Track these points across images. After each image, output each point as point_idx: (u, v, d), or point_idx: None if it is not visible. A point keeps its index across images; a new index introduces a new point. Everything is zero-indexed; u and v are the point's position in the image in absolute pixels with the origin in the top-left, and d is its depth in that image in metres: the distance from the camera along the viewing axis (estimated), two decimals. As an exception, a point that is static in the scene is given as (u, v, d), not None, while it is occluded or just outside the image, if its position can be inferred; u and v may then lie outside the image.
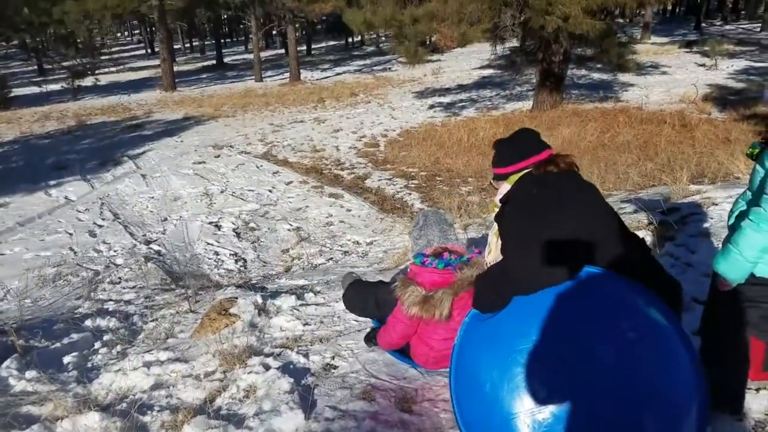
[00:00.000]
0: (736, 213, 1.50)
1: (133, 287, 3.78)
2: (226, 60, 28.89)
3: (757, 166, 1.43)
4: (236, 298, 2.74)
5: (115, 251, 4.82)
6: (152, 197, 6.71)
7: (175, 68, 21.22)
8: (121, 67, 27.12)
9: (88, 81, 19.77)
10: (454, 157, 7.91)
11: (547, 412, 1.29)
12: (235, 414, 1.80)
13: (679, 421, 1.30)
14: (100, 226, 5.61)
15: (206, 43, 38.35)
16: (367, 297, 2.27)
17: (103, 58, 25.89)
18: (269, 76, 21.52)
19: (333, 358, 2.17)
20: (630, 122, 8.63)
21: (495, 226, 1.72)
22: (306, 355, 2.19)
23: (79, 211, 6.13)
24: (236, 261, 4.69)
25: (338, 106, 13.58)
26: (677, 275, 1.49)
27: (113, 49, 35.82)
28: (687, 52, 17.27)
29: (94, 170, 8.18)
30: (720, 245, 1.68)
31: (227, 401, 1.88)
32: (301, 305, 2.75)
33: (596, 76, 13.80)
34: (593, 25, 7.81)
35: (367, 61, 25.07)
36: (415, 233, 2.04)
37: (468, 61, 20.25)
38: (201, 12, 29.81)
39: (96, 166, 8.44)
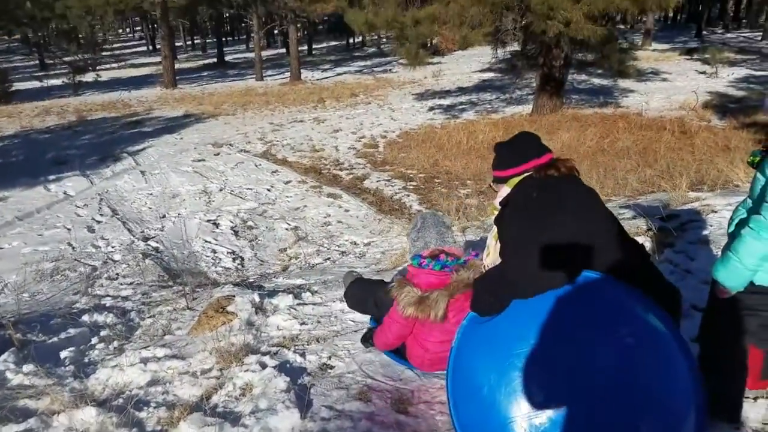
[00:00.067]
0: (736, 221, 1.50)
1: (131, 283, 3.78)
2: (228, 58, 28.88)
3: (758, 174, 1.43)
4: (234, 296, 2.74)
5: (113, 247, 4.82)
6: (151, 194, 6.70)
7: (176, 65, 21.20)
8: (123, 63, 27.09)
9: (89, 76, 19.73)
10: (453, 160, 7.92)
11: (545, 416, 1.29)
12: (231, 412, 1.80)
13: (677, 428, 1.30)
14: (99, 222, 5.61)
15: (208, 41, 38.35)
16: (367, 296, 2.28)
17: (104, 54, 25.84)
18: (270, 75, 21.52)
19: (330, 358, 2.18)
20: (630, 128, 8.66)
21: (494, 228, 1.72)
22: (303, 355, 2.20)
23: (78, 207, 6.12)
24: (234, 259, 4.70)
25: (338, 107, 13.59)
26: (676, 282, 1.50)
27: (115, 45, 35.77)
28: (688, 59, 17.33)
29: (94, 166, 8.17)
30: (719, 253, 1.68)
31: (223, 399, 1.88)
32: (299, 304, 2.76)
33: (596, 81, 13.85)
34: (594, 30, 7.84)
35: (368, 62, 25.10)
36: (413, 235, 2.05)
37: (468, 64, 20.30)
38: (203, 10, 29.81)
39: (95, 162, 8.43)
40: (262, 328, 2.50)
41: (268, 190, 6.87)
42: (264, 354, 2.19)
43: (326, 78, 20.32)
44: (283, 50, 31.09)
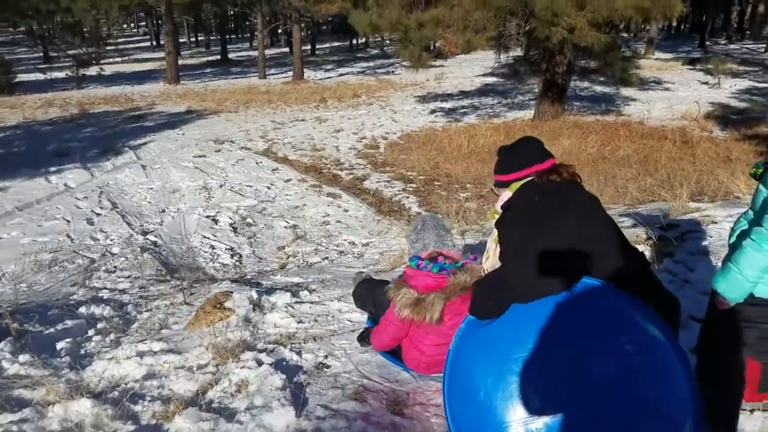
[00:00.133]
0: (738, 232, 1.50)
1: (128, 277, 3.78)
2: (231, 56, 28.90)
3: (761, 186, 1.43)
4: (231, 292, 2.74)
5: (111, 240, 4.81)
6: (151, 188, 6.70)
7: (180, 62, 21.21)
8: (126, 58, 27.09)
9: (92, 70, 19.76)
10: (454, 163, 7.93)
11: (541, 422, 1.29)
12: (226, 408, 1.80)
13: None
14: (98, 215, 5.60)
15: (211, 38, 38.37)
16: (369, 296, 2.29)
17: (108, 48, 25.84)
18: (273, 74, 21.54)
19: (326, 357, 2.18)
20: (631, 136, 8.68)
21: (494, 232, 1.72)
22: (299, 353, 2.20)
23: (78, 199, 6.12)
24: (232, 256, 4.70)
25: (340, 107, 13.61)
26: (675, 292, 1.50)
27: (119, 40, 35.74)
28: (690, 69, 17.38)
29: (95, 159, 8.17)
30: (719, 264, 1.68)
31: (219, 395, 1.88)
32: (296, 303, 2.76)
33: (599, 88, 13.88)
34: (598, 37, 7.86)
35: (371, 64, 25.13)
36: (412, 236, 2.06)
37: (471, 68, 20.34)
38: (208, 7, 29.85)
39: (97, 155, 8.43)
40: (259, 325, 2.50)
41: (268, 187, 6.87)
42: (260, 351, 2.19)
43: (329, 78, 20.35)
44: (287, 49, 31.13)
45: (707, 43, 25.18)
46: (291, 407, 1.75)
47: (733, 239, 1.51)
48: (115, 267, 4.04)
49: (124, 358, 2.13)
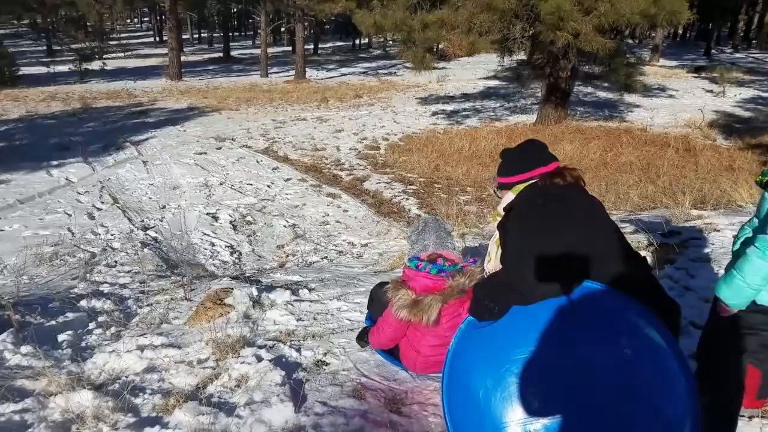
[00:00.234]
0: (742, 239, 1.50)
1: (129, 272, 3.79)
2: (233, 53, 28.92)
3: (766, 194, 1.44)
4: (231, 288, 2.76)
5: (112, 235, 4.83)
6: (152, 184, 6.72)
7: (183, 58, 21.24)
8: (129, 53, 27.09)
9: (95, 65, 19.76)
10: (454, 166, 7.95)
11: (539, 423, 1.29)
12: (226, 402, 1.82)
13: None
14: (99, 209, 5.62)
15: (214, 35, 38.41)
16: (374, 295, 2.31)
17: (111, 43, 25.87)
18: (275, 73, 21.57)
19: (325, 354, 2.19)
20: (633, 143, 8.70)
21: (496, 234, 1.73)
22: (298, 350, 2.22)
23: (79, 193, 6.13)
24: (231, 253, 4.71)
25: (341, 107, 13.63)
26: (675, 298, 1.50)
27: (122, 35, 35.79)
28: (695, 77, 17.41)
29: (96, 153, 8.18)
30: (720, 271, 1.69)
31: (219, 389, 1.89)
32: (296, 301, 2.77)
33: (602, 94, 13.91)
34: (604, 43, 7.88)
35: (373, 64, 25.16)
36: (413, 237, 2.08)
37: (474, 71, 20.38)
38: (212, 4, 29.88)
39: (98, 150, 8.44)
40: (258, 321, 2.51)
41: (268, 186, 6.89)
42: (260, 347, 2.20)
43: (331, 78, 20.37)
44: (289, 48, 31.14)
45: (713, 51, 25.22)
46: (290, 403, 1.76)
47: (736, 247, 1.52)
48: (116, 262, 4.05)
49: (124, 351, 2.14)
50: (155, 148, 8.68)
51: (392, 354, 2.08)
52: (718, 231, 3.22)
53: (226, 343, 2.17)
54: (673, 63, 21.49)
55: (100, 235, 4.81)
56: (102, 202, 5.86)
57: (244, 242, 5.02)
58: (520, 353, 1.38)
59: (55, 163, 7.38)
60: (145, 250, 4.36)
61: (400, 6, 9.42)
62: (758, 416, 1.71)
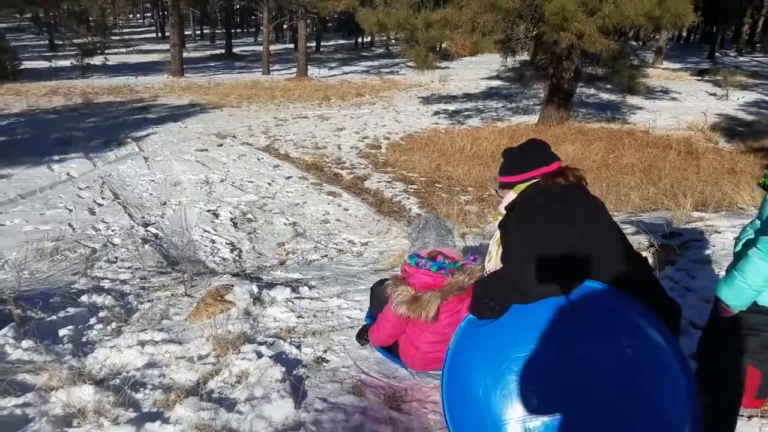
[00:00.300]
0: (744, 240, 1.51)
1: (129, 267, 3.80)
2: (236, 50, 28.90)
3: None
4: (232, 285, 2.76)
5: (113, 231, 4.83)
6: (153, 180, 6.72)
7: (184, 54, 21.22)
8: (131, 48, 27.09)
9: (97, 60, 19.76)
10: (456, 165, 7.95)
11: (539, 421, 1.30)
12: (226, 398, 1.82)
13: None
14: (100, 205, 5.62)
15: (217, 31, 38.37)
16: (374, 292, 2.31)
17: (113, 38, 25.86)
18: (277, 70, 21.55)
19: (325, 351, 2.20)
20: (636, 145, 8.69)
21: (497, 233, 1.73)
22: (298, 347, 2.22)
23: (80, 188, 6.14)
24: (232, 250, 4.72)
25: (343, 105, 13.62)
26: (676, 299, 1.51)
27: (124, 30, 35.78)
28: (699, 80, 17.39)
29: (98, 149, 8.19)
30: (721, 273, 1.70)
31: (219, 385, 1.90)
32: (296, 298, 2.78)
33: (605, 96, 13.90)
34: (607, 44, 7.86)
35: (375, 63, 25.14)
36: (413, 234, 2.08)
37: (476, 71, 20.36)
38: (214, 0, 29.81)
39: (99, 145, 8.44)
40: (259, 318, 2.52)
41: (269, 184, 6.89)
42: (260, 344, 2.21)
43: (333, 76, 20.36)
44: (291, 45, 31.10)
45: (717, 54, 25.18)
46: (290, 399, 1.77)
47: (738, 248, 1.53)
48: (116, 257, 4.06)
49: (125, 346, 2.15)
50: (156, 145, 8.68)
51: (392, 351, 2.09)
52: (719, 233, 3.23)
53: (227, 340, 2.17)
54: (677, 65, 21.46)
55: (100, 230, 4.81)
56: (103, 198, 5.87)
57: (245, 240, 5.02)
58: (520, 351, 1.38)
59: (56, 158, 7.39)
60: (146, 246, 4.37)
61: (403, 4, 9.40)
62: (758, 416, 1.72)
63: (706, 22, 26.58)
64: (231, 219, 5.52)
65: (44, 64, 20.31)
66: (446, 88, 16.94)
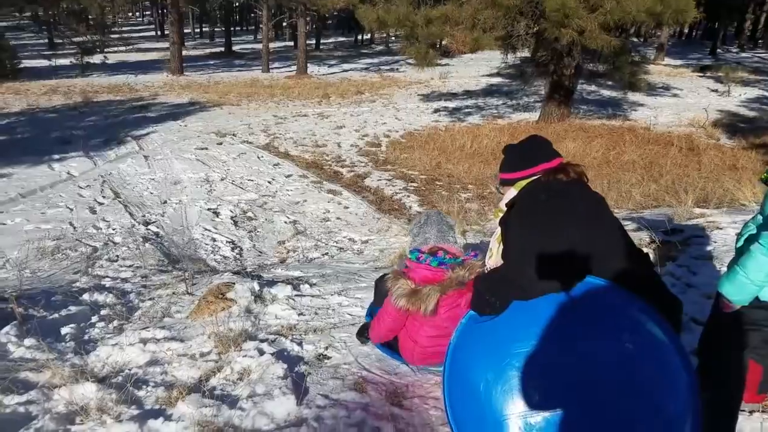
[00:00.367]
0: (745, 236, 1.51)
1: (130, 266, 3.80)
2: (235, 48, 28.86)
3: None
4: (233, 283, 2.77)
5: (114, 229, 4.84)
6: (153, 179, 6.72)
7: (184, 52, 21.19)
8: (131, 47, 27.05)
9: (96, 58, 19.74)
10: (456, 163, 7.94)
11: (540, 416, 1.31)
12: (228, 395, 1.83)
13: None
14: (101, 204, 5.63)
15: (216, 29, 38.29)
16: (376, 287, 2.32)
17: (113, 36, 25.82)
18: (276, 68, 21.52)
19: (326, 348, 2.21)
20: (637, 142, 8.68)
21: (498, 230, 1.73)
22: (300, 344, 2.23)
23: (81, 187, 6.14)
24: (233, 248, 4.72)
25: (343, 103, 13.60)
26: (677, 295, 1.51)
27: (123, 29, 35.69)
28: (700, 76, 17.33)
29: (98, 148, 8.19)
30: (723, 269, 1.70)
31: (221, 382, 1.91)
32: (297, 295, 2.78)
33: (606, 93, 13.87)
34: (608, 41, 7.84)
35: (375, 60, 25.09)
36: (414, 230, 2.09)
37: (477, 68, 20.32)
38: (214, -2, 29.73)
39: (99, 144, 8.44)
40: (260, 316, 2.52)
41: (269, 182, 6.89)
42: (262, 341, 2.21)
43: (332, 73, 20.33)
44: (291, 43, 31.05)
45: (719, 50, 25.09)
46: (292, 396, 1.78)
47: (740, 243, 1.53)
48: (117, 256, 4.06)
49: (127, 344, 2.15)
50: (156, 143, 8.68)
51: (392, 348, 2.09)
52: (721, 229, 3.22)
53: (229, 337, 2.18)
54: (678, 62, 21.41)
55: (101, 229, 4.82)
56: (103, 197, 5.87)
57: (245, 238, 5.02)
58: (521, 347, 1.39)
59: (56, 156, 7.39)
60: (147, 244, 4.37)
61: (403, 1, 9.37)
62: (759, 411, 1.72)
63: (708, 18, 26.44)
64: (231, 217, 5.52)
65: (44, 62, 20.28)
66: (446, 85, 16.91)
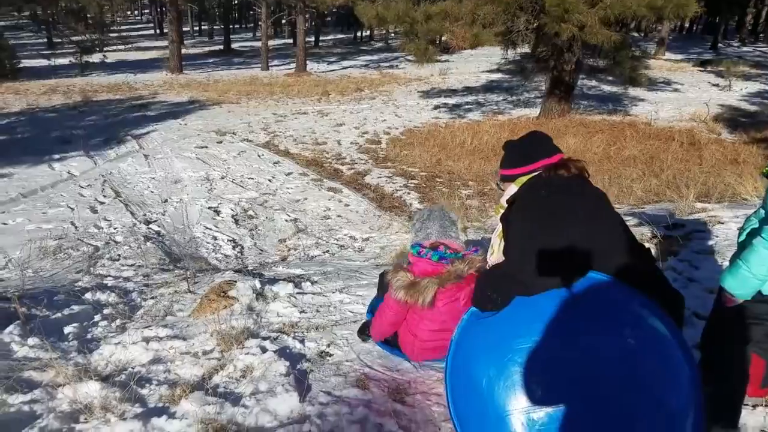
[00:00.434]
0: (748, 230, 1.51)
1: (132, 265, 3.81)
2: (234, 46, 28.78)
3: None
4: (235, 281, 2.77)
5: (115, 228, 4.85)
6: (154, 178, 6.72)
7: (183, 51, 21.15)
8: (130, 45, 27.00)
9: (95, 57, 19.71)
10: (456, 160, 7.93)
11: (542, 412, 1.31)
12: (231, 392, 1.84)
13: (674, 431, 1.31)
14: (102, 203, 5.64)
15: (215, 27, 38.20)
16: (379, 281, 2.33)
17: (112, 35, 25.78)
18: (275, 65, 21.47)
19: (328, 345, 2.21)
20: (637, 137, 8.66)
21: (499, 227, 1.73)
22: (302, 341, 2.23)
23: (82, 187, 6.15)
24: (234, 247, 4.73)
25: (342, 100, 13.57)
26: (679, 290, 1.51)
27: (122, 27, 35.63)
28: (701, 70, 17.26)
29: (98, 147, 8.19)
30: (724, 263, 1.70)
31: (224, 380, 1.91)
32: (298, 293, 2.79)
33: (606, 88, 13.82)
34: (609, 36, 7.81)
35: (374, 57, 25.02)
36: (417, 225, 2.09)
37: (477, 64, 20.25)
38: (213, -5, 29.62)
39: (100, 143, 8.44)
40: (262, 313, 2.53)
41: (270, 180, 6.89)
42: (264, 339, 2.22)
43: (332, 71, 20.28)
44: (290, 40, 30.97)
45: (720, 44, 24.97)
46: (295, 393, 1.78)
47: (742, 237, 1.53)
48: (119, 255, 4.07)
49: (130, 343, 2.16)
50: (156, 142, 8.68)
51: (393, 345, 2.10)
52: (723, 223, 3.22)
53: (231, 335, 2.18)
54: (679, 56, 21.31)
55: (102, 228, 4.83)
56: (104, 196, 5.88)
57: (246, 236, 5.03)
58: (523, 343, 1.39)
59: (57, 156, 7.39)
60: (148, 243, 4.38)
61: (403, -3, 9.33)
62: (762, 405, 1.72)
63: (709, 13, 26.31)
64: (232, 216, 5.53)
65: (43, 62, 20.26)
66: (446, 81, 16.86)
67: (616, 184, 6.08)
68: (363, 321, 2.37)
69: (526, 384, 1.34)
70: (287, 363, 1.96)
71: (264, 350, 2.08)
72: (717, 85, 14.36)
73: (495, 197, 5.92)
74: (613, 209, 1.57)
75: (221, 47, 28.09)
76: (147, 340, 2.21)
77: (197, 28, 41.33)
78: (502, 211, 1.70)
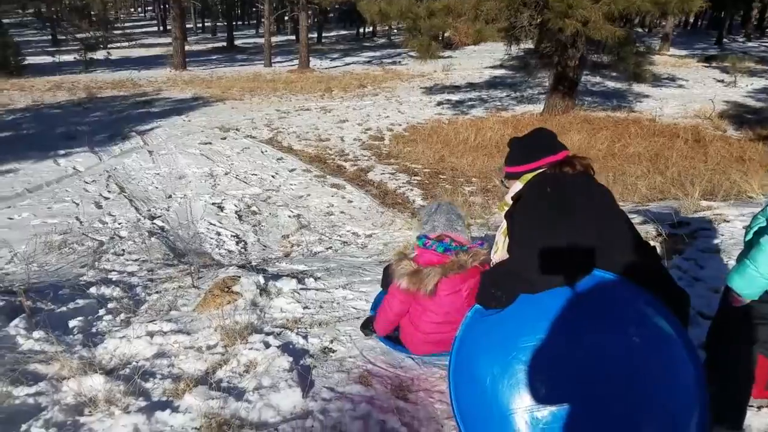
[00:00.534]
0: (755, 229, 1.50)
1: (136, 260, 3.83)
2: (237, 43, 28.79)
3: None
4: (239, 277, 2.78)
5: (119, 224, 4.87)
6: (158, 174, 6.75)
7: (186, 48, 21.16)
8: (133, 42, 27.04)
9: (100, 54, 19.77)
10: (460, 156, 7.90)
11: (546, 410, 1.30)
12: (235, 387, 1.84)
13: (678, 430, 1.30)
14: (106, 199, 5.66)
15: (218, 24, 38.18)
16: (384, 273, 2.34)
17: (115, 32, 25.82)
18: (278, 62, 21.46)
19: (331, 342, 2.21)
20: (642, 134, 8.59)
21: (503, 224, 1.72)
22: (305, 337, 2.24)
23: (86, 182, 6.18)
24: (237, 242, 4.74)
25: (345, 97, 13.54)
26: (684, 288, 1.49)
27: (126, 24, 35.70)
28: (706, 66, 17.09)
29: (103, 143, 8.22)
30: (730, 262, 1.68)
31: (228, 374, 1.92)
32: (302, 289, 2.79)
33: (611, 84, 13.71)
34: (613, 31, 7.73)
35: (377, 53, 24.95)
36: (424, 217, 2.11)
37: (480, 60, 20.14)
38: (216, -8, 29.60)
39: (104, 139, 8.47)
40: (266, 309, 2.54)
41: (273, 176, 6.90)
42: (268, 334, 2.23)
43: (335, 67, 20.24)
44: (293, 37, 30.88)
45: (725, 40, 24.70)
46: (298, 388, 1.79)
47: (749, 236, 1.51)
48: (123, 250, 4.09)
49: (134, 337, 2.17)
50: (160, 138, 8.70)
51: (396, 342, 2.10)
52: (728, 222, 3.19)
53: (235, 330, 2.19)
54: (684, 52, 21.12)
55: (107, 223, 4.85)
56: (109, 192, 5.90)
57: (250, 232, 5.04)
58: (527, 341, 1.38)
59: (62, 152, 7.43)
60: (153, 238, 4.40)
61: (405, -8, 9.27)
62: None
63: (714, 8, 25.98)
64: (236, 212, 5.54)
65: (47, 59, 20.33)
66: (449, 77, 16.78)
67: (620, 181, 6.04)
68: (367, 316, 2.37)
69: (531, 382, 1.33)
70: (290, 358, 1.97)
71: (267, 345, 2.09)
72: (722, 81, 14.22)
73: (498, 194, 5.90)
74: (618, 207, 1.55)
75: (224, 44, 28.09)
76: (151, 334, 2.22)
77: (200, 25, 41.33)
78: (506, 208, 1.69)
